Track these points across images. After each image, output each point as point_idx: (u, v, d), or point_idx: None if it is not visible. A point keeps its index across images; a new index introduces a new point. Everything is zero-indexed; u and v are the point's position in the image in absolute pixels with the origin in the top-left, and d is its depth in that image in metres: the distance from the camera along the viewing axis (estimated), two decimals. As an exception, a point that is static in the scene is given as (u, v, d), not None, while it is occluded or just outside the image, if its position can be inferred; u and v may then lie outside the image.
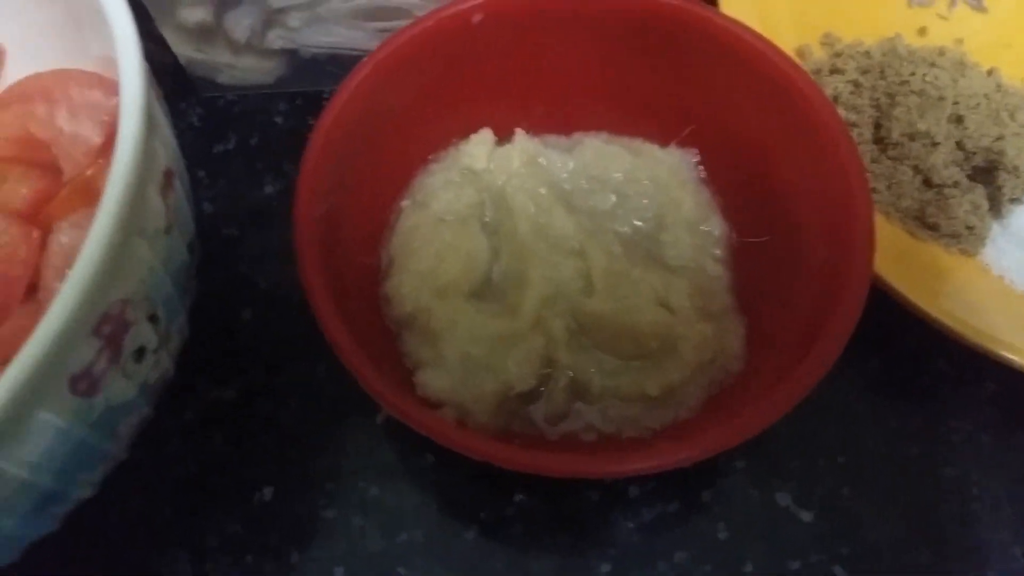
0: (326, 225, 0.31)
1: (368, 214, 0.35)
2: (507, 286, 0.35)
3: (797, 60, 0.40)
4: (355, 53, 0.40)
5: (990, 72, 0.40)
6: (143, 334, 0.26)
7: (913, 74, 0.37)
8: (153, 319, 0.26)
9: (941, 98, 0.36)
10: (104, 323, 0.23)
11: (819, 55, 0.41)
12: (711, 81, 0.36)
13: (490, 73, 0.37)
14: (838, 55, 0.41)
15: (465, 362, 0.33)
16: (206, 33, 0.39)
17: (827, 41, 0.42)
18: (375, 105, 0.34)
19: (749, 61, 0.34)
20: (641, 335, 0.34)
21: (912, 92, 0.36)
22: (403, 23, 0.35)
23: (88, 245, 0.22)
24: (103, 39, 0.26)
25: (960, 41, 0.42)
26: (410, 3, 0.38)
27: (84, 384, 0.23)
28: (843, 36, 0.42)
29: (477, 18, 0.35)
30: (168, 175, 0.27)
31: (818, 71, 0.40)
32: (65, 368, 0.22)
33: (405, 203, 0.37)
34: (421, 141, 0.37)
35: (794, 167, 0.34)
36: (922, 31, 0.43)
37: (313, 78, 0.42)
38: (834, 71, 0.39)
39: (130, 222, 0.23)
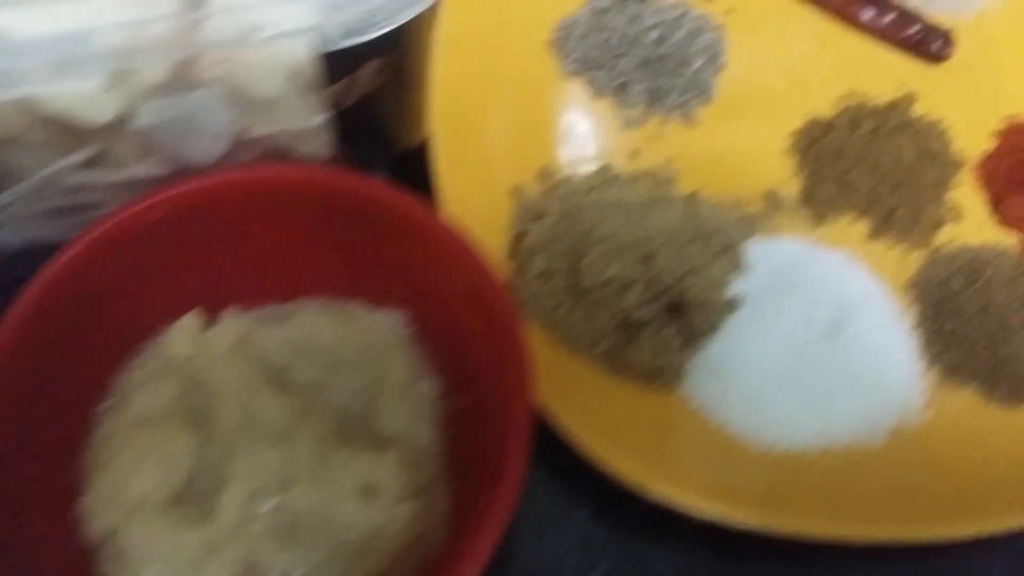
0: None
1: (61, 426, 0.35)
2: (209, 487, 0.35)
3: (512, 199, 0.42)
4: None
5: (690, 197, 0.41)
6: None
7: (603, 220, 0.38)
8: None
9: (627, 243, 0.37)
10: None
11: (533, 193, 0.42)
12: (402, 249, 0.36)
13: (193, 257, 0.36)
14: (551, 191, 0.41)
15: (164, 585, 0.32)
16: None
17: (543, 175, 0.43)
18: (65, 306, 0.33)
19: (420, 231, 0.35)
20: (340, 525, 0.34)
21: (602, 238, 0.37)
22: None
23: None
24: None
25: (670, 160, 0.44)
26: (98, 200, 0.37)
27: None
28: (559, 169, 0.43)
29: (157, 215, 0.34)
30: None
31: (527, 213, 0.40)
32: None
33: (103, 407, 0.36)
34: (120, 336, 0.36)
35: (473, 329, 0.35)
36: (634, 154, 0.44)
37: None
38: (536, 217, 0.40)
39: None
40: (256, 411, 0.36)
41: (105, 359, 0.36)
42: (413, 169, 0.40)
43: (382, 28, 0.28)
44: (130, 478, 0.34)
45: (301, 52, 0.29)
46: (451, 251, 0.34)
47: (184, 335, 0.37)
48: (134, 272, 0.35)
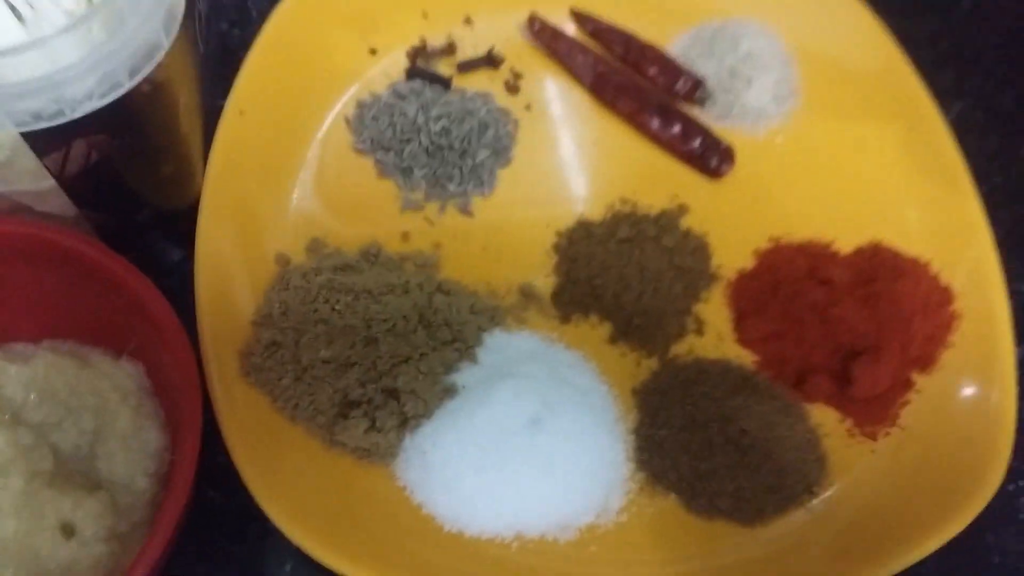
0: None
1: None
2: (-76, 506, 0.37)
3: (276, 265, 0.44)
4: None
5: (438, 285, 0.43)
6: None
7: (328, 302, 0.40)
8: None
9: (350, 326, 0.40)
10: None
11: (301, 260, 0.45)
12: (125, 305, 0.39)
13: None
14: (319, 263, 0.44)
15: None
16: None
17: (313, 248, 0.45)
18: None
19: (128, 291, 0.38)
20: (36, 557, 0.36)
21: (320, 321, 0.40)
22: None
23: None
24: None
25: (438, 245, 0.46)
26: None
27: None
28: (331, 242, 0.45)
29: None
30: None
31: (279, 283, 0.43)
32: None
33: None
34: None
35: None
36: (405, 236, 0.46)
37: None
38: (283, 288, 0.42)
39: None
40: (-19, 442, 0.38)
41: None
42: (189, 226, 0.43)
43: (67, 116, 0.31)
44: None
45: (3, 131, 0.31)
46: (156, 312, 0.37)
47: (-76, 364, 0.39)
48: None
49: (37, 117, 0.31)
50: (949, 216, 0.48)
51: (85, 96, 0.31)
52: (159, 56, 0.33)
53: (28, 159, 0.34)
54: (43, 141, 0.33)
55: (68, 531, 0.37)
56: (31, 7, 0.39)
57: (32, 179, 0.36)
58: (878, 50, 0.51)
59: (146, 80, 0.33)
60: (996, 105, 0.56)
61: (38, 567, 0.37)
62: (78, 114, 0.32)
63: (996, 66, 0.58)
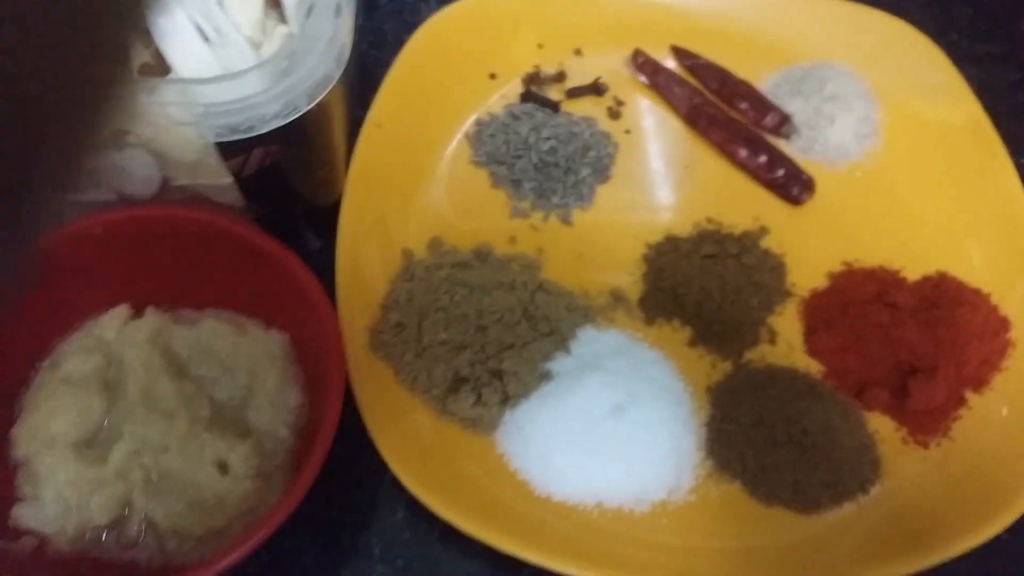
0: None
1: (10, 372, 0.46)
2: (109, 438, 0.45)
3: (402, 259, 0.51)
4: None
5: (538, 286, 0.50)
6: None
7: (446, 293, 0.47)
8: None
9: (463, 315, 0.46)
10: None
11: (422, 255, 0.51)
12: (278, 285, 0.46)
13: (124, 263, 0.47)
14: (436, 258, 0.51)
15: (57, 501, 0.43)
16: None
17: (434, 243, 0.52)
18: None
19: (287, 276, 0.45)
20: (196, 487, 0.44)
21: (440, 308, 0.47)
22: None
23: None
24: None
25: (541, 250, 0.53)
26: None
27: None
28: (449, 240, 0.52)
29: (98, 230, 0.45)
30: None
31: (405, 274, 0.50)
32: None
33: (43, 364, 0.47)
34: (63, 314, 0.47)
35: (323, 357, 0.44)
36: (512, 239, 0.53)
37: None
38: (408, 279, 0.49)
39: None
40: (155, 389, 0.46)
41: (49, 330, 0.47)
42: (332, 220, 0.51)
43: (255, 132, 0.38)
44: (50, 420, 0.44)
45: (199, 138, 0.39)
46: (307, 290, 0.44)
47: (112, 322, 0.47)
48: (78, 268, 0.45)
49: (233, 131, 0.39)
50: (1011, 252, 0.52)
51: (272, 116, 0.39)
52: (331, 85, 0.40)
53: (214, 160, 0.42)
54: (230, 148, 0.40)
55: (223, 468, 0.44)
56: (216, 31, 0.47)
57: (214, 176, 0.43)
58: (957, 99, 0.56)
59: (317, 102, 0.40)
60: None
61: (198, 495, 0.44)
62: (264, 130, 0.39)
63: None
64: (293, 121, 0.40)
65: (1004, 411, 0.48)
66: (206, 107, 0.38)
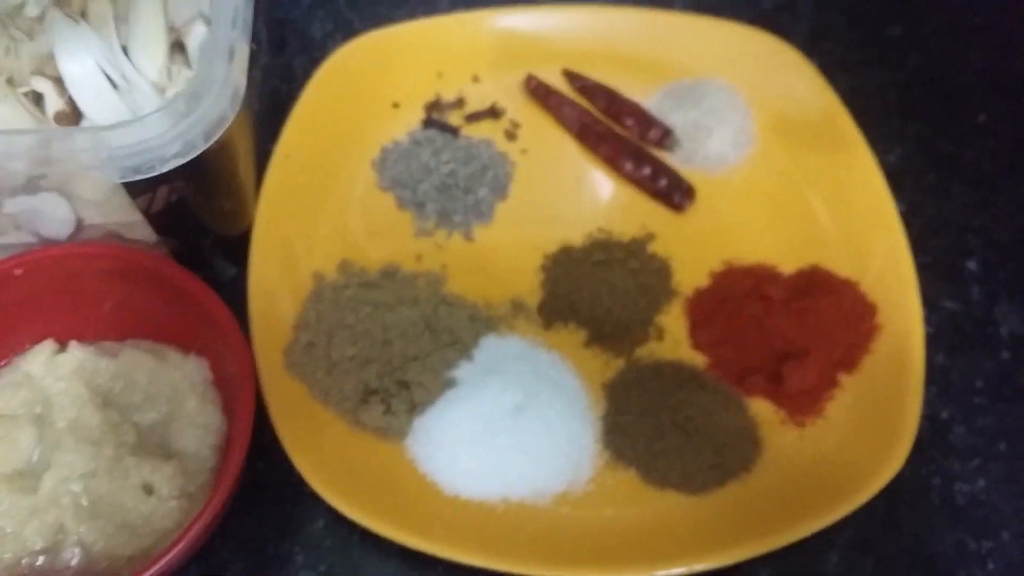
0: None
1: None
2: (39, 467, 0.48)
3: (313, 281, 0.54)
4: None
5: (441, 299, 0.53)
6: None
7: (352, 311, 0.51)
8: None
9: (368, 330, 0.50)
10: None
11: (332, 277, 0.55)
12: (192, 311, 0.49)
13: (47, 301, 0.50)
14: (345, 279, 0.54)
15: (-7, 532, 0.46)
16: None
17: (343, 265, 0.55)
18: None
19: (196, 302, 0.48)
20: (124, 510, 0.47)
21: (347, 326, 0.50)
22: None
23: None
24: None
25: (445, 265, 0.56)
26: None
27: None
28: (358, 262, 0.56)
29: (19, 270, 0.48)
30: None
31: (315, 296, 0.53)
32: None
33: (-28, 402, 0.49)
34: (-8, 351, 0.50)
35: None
36: (419, 257, 0.56)
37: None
38: (318, 300, 0.52)
39: None
40: (82, 420, 0.48)
41: (-22, 367, 0.50)
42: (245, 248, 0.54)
43: (157, 171, 0.42)
44: (-18, 454, 0.47)
45: (106, 180, 0.42)
46: (218, 318, 0.47)
47: (38, 357, 0.50)
48: (2, 308, 0.48)
49: (136, 171, 0.42)
50: (878, 244, 0.56)
51: (171, 156, 0.42)
52: (226, 124, 0.43)
53: (123, 199, 0.45)
54: (137, 187, 0.44)
55: (148, 490, 0.47)
56: (124, 78, 0.50)
57: (125, 214, 0.46)
58: (822, 104, 0.60)
59: (215, 140, 0.44)
60: (934, 149, 0.65)
61: (126, 517, 0.46)
62: (165, 169, 0.42)
63: (936, 116, 0.66)
64: (193, 159, 0.43)
65: (872, 389, 0.52)
66: (110, 151, 0.41)
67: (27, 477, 0.47)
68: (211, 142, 0.43)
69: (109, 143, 0.42)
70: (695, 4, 0.70)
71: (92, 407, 0.49)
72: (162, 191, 0.45)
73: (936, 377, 0.54)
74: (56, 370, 0.50)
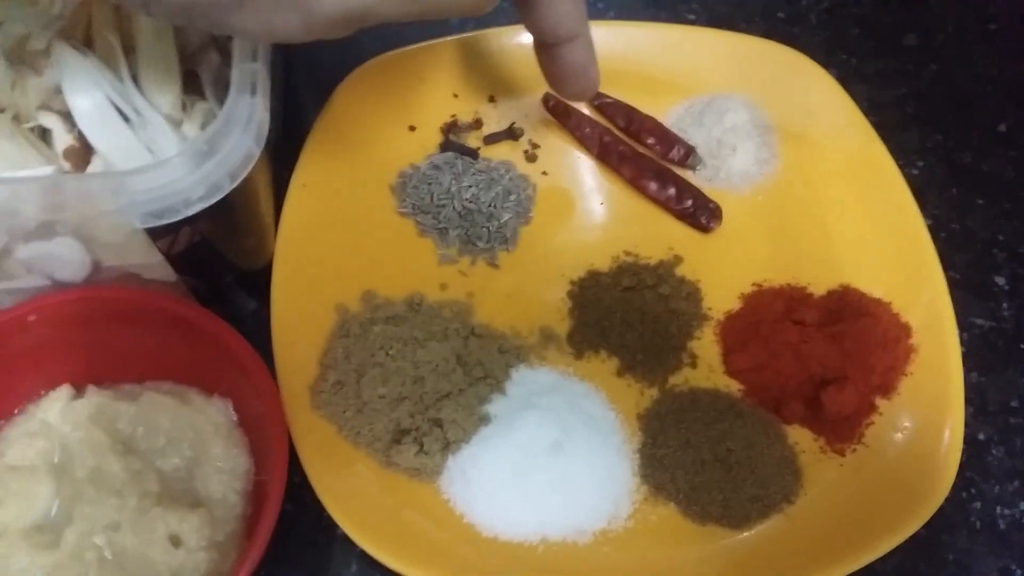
0: None
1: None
2: (60, 521, 0.46)
3: (336, 315, 0.53)
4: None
5: (470, 332, 0.52)
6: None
7: (383, 348, 0.49)
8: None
9: (400, 368, 0.48)
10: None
11: (356, 310, 0.53)
12: (215, 353, 0.47)
13: (62, 346, 0.48)
14: (370, 311, 0.52)
15: (13, 592, 0.44)
16: None
17: (366, 296, 0.54)
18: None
19: (219, 343, 0.46)
20: (151, 563, 0.45)
21: (376, 364, 0.48)
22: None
23: None
24: None
25: (471, 294, 0.55)
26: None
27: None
28: (381, 292, 0.54)
29: (33, 316, 0.46)
30: None
31: (340, 329, 0.51)
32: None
33: (-16, 453, 0.47)
34: (7, 397, 0.48)
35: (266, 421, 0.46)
36: (443, 286, 0.55)
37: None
38: (343, 335, 0.51)
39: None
40: (102, 468, 0.46)
41: (-10, 416, 0.48)
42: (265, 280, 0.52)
43: (181, 215, 0.40)
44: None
45: (126, 224, 0.40)
46: (242, 357, 0.46)
47: (54, 404, 0.48)
48: (16, 354, 0.46)
49: (158, 217, 0.40)
50: (908, 261, 0.55)
51: (196, 199, 0.40)
52: (252, 162, 0.41)
53: (143, 242, 0.43)
54: (158, 230, 0.42)
55: (175, 541, 0.45)
56: (135, 112, 0.48)
57: (144, 256, 0.44)
58: (847, 120, 0.59)
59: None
60: (955, 161, 0.64)
61: (153, 571, 0.45)
62: (189, 213, 0.40)
63: (955, 126, 0.66)
64: (218, 200, 0.42)
65: (911, 413, 0.51)
66: (131, 196, 0.40)
67: (47, 532, 0.45)
68: (237, 182, 0.41)
69: (130, 188, 0.40)
70: (708, 19, 0.69)
71: (113, 454, 0.47)
72: (184, 232, 0.43)
73: (972, 397, 0.54)
74: (73, 416, 0.48)
